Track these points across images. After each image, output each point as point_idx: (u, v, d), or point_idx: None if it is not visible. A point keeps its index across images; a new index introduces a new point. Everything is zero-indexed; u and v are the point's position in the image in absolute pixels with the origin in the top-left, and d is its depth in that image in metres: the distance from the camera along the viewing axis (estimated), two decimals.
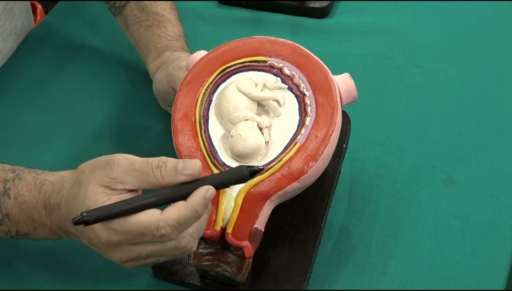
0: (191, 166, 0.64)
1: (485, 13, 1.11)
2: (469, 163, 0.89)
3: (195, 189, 0.64)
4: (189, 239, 0.65)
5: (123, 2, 1.01)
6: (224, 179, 0.67)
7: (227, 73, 0.79)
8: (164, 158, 0.65)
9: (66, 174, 0.70)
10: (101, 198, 0.64)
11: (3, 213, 0.71)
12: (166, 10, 0.99)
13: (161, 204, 0.64)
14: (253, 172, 0.67)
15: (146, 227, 0.62)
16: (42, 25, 1.16)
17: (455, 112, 0.96)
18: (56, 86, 1.05)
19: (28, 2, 1.14)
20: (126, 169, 0.64)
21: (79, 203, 0.65)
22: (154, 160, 0.64)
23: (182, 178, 0.64)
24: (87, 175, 0.65)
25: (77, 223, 0.61)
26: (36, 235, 0.72)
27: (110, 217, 0.62)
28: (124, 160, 0.64)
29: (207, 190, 0.64)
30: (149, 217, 0.62)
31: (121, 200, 0.63)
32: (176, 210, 0.63)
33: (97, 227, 0.63)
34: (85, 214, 0.62)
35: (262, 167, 0.67)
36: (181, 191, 0.64)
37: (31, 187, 0.71)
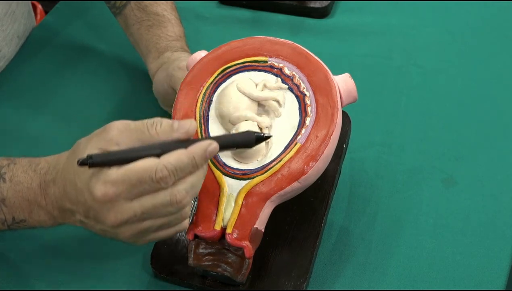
0: (187, 124, 0.65)
1: (485, 13, 1.11)
2: (469, 163, 0.89)
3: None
4: (184, 194, 0.65)
5: (124, 2, 1.01)
6: (229, 140, 0.68)
7: (227, 73, 0.79)
8: (158, 117, 0.66)
9: (63, 153, 0.71)
10: None
11: None
12: (166, 11, 1.00)
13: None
14: (260, 138, 0.68)
15: (145, 171, 0.63)
16: (42, 25, 1.16)
17: (455, 112, 0.96)
18: (56, 87, 1.05)
19: (30, 3, 1.14)
20: (121, 130, 0.65)
21: (75, 168, 0.65)
22: (148, 120, 0.65)
23: (177, 135, 0.65)
24: (83, 145, 0.66)
25: (82, 163, 0.62)
26: (32, 221, 0.73)
27: (115, 163, 0.63)
28: (120, 123, 0.65)
29: (209, 144, 0.65)
30: (147, 162, 0.63)
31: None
32: (175, 155, 0.64)
33: (93, 183, 0.63)
34: (90, 155, 0.62)
35: (269, 135, 0.69)
36: (186, 145, 0.65)
37: (26, 167, 0.72)
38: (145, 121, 0.65)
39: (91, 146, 0.65)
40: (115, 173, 0.63)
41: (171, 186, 0.64)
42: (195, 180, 0.66)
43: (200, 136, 0.76)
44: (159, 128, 0.65)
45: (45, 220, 0.72)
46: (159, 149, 0.64)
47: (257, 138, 0.68)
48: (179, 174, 0.64)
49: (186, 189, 0.65)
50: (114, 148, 0.64)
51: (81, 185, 0.65)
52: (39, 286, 0.79)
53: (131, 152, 0.64)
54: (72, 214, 0.69)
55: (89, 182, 0.64)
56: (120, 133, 0.65)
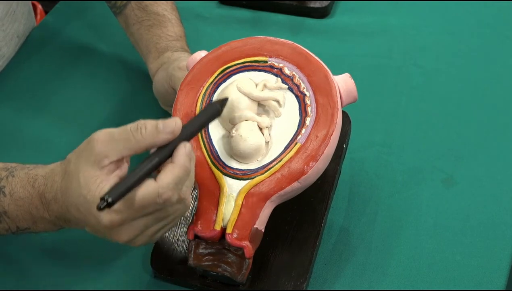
0: (172, 124, 0.65)
1: (485, 13, 1.11)
2: (469, 163, 0.89)
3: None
4: (185, 190, 0.66)
5: (124, 2, 1.01)
6: (198, 124, 0.70)
7: (227, 73, 0.79)
8: (141, 120, 0.65)
9: (55, 167, 0.70)
10: (93, 183, 0.64)
11: (0, 211, 0.72)
12: (167, 10, 1.00)
13: (165, 159, 0.65)
14: (223, 104, 0.71)
15: (147, 199, 0.63)
16: (42, 25, 1.16)
17: (455, 112, 0.96)
18: (56, 87, 1.05)
19: (30, 3, 1.14)
20: (106, 142, 0.64)
21: (74, 194, 0.65)
22: (131, 125, 0.65)
23: (164, 137, 0.65)
24: (73, 164, 0.66)
25: (101, 209, 0.61)
26: (37, 228, 0.73)
27: (129, 190, 0.63)
28: (103, 134, 0.65)
29: (185, 146, 0.66)
30: (147, 188, 0.63)
31: (110, 176, 0.64)
32: (169, 173, 0.64)
33: (97, 214, 0.63)
34: (106, 196, 0.62)
35: (226, 98, 0.72)
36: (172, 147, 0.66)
37: (24, 183, 0.71)
38: (128, 127, 0.65)
39: (83, 164, 0.65)
40: (117, 204, 0.63)
41: None
42: (192, 175, 0.67)
43: (200, 136, 0.76)
44: (144, 132, 0.64)
45: (50, 227, 0.73)
46: (157, 158, 0.65)
47: (221, 105, 0.71)
48: (179, 186, 0.65)
49: (186, 185, 0.66)
50: (105, 161, 0.64)
51: (85, 212, 0.65)
52: (39, 286, 0.79)
53: (137, 174, 0.63)
54: (79, 225, 0.69)
55: (92, 212, 0.64)
56: (105, 145, 0.64)
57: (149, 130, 0.64)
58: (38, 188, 0.70)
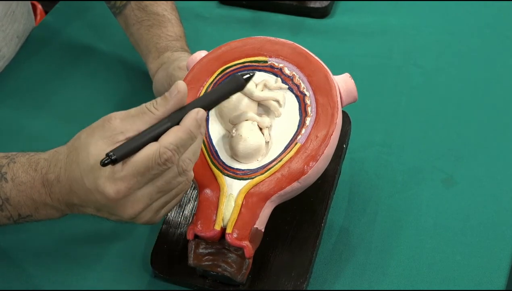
0: (176, 87, 0.66)
1: (486, 13, 1.11)
2: (469, 163, 0.89)
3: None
4: (188, 162, 0.67)
5: (124, 2, 1.01)
6: (220, 93, 0.70)
7: (227, 73, 0.79)
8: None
9: (60, 148, 0.71)
10: (101, 155, 0.64)
11: (2, 198, 0.72)
12: (166, 11, 1.00)
13: (177, 124, 0.66)
14: (248, 78, 0.70)
15: (150, 158, 0.64)
16: (42, 25, 1.17)
17: (455, 112, 0.96)
18: (56, 87, 1.05)
19: (30, 3, 1.14)
20: (123, 118, 0.66)
21: (82, 165, 0.66)
22: (146, 103, 0.67)
23: (174, 101, 0.66)
24: (84, 138, 0.67)
25: (104, 164, 0.62)
26: (39, 215, 0.73)
27: (135, 151, 0.64)
28: (119, 113, 0.66)
29: (197, 112, 0.66)
30: (148, 149, 0.64)
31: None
32: (172, 134, 0.65)
33: (102, 183, 0.64)
34: (111, 153, 0.62)
35: (253, 73, 0.71)
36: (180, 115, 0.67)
37: (26, 167, 0.71)
38: (143, 104, 0.67)
39: (96, 139, 0.65)
40: (122, 168, 0.64)
41: None
42: (196, 146, 0.68)
43: None
44: (156, 104, 0.66)
45: (52, 213, 0.73)
46: (168, 122, 0.66)
47: (246, 80, 0.70)
48: (181, 149, 0.66)
49: (189, 157, 0.67)
50: (120, 137, 0.65)
51: (90, 185, 0.65)
52: (39, 286, 0.79)
53: (144, 136, 0.65)
54: (81, 207, 0.70)
55: (97, 182, 0.65)
56: (122, 121, 0.65)
57: (159, 101, 0.66)
58: (40, 170, 0.71)
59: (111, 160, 0.62)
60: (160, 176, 0.66)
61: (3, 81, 1.06)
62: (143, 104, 0.67)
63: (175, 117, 0.66)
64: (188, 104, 0.68)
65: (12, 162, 0.73)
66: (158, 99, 0.67)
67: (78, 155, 0.66)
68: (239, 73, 0.71)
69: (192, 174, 0.69)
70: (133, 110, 0.66)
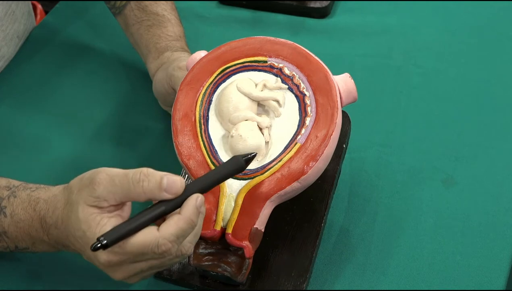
0: (177, 185, 0.63)
1: (485, 13, 1.11)
2: (469, 163, 0.89)
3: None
4: (189, 246, 0.65)
5: (124, 2, 1.01)
6: (219, 175, 0.67)
7: (227, 73, 0.79)
8: (145, 170, 0.63)
9: (58, 193, 0.70)
10: (93, 220, 0.64)
11: (0, 231, 0.72)
12: (166, 11, 1.00)
13: (172, 210, 0.64)
14: (249, 159, 0.67)
15: (146, 246, 0.62)
16: (42, 25, 1.16)
17: (455, 112, 0.96)
18: (56, 87, 1.05)
19: (30, 3, 1.14)
20: (107, 186, 0.64)
21: (75, 226, 0.65)
22: (133, 174, 0.63)
23: (166, 196, 0.63)
24: (75, 195, 0.66)
25: (95, 249, 0.61)
26: (35, 249, 0.73)
27: (127, 235, 0.62)
28: (105, 177, 0.64)
29: (196, 199, 0.64)
30: (148, 235, 0.62)
31: (111, 214, 0.64)
32: (173, 224, 0.63)
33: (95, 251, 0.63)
34: (102, 238, 0.61)
35: (254, 154, 0.68)
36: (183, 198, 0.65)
37: (25, 205, 0.71)
38: (130, 175, 0.63)
39: (84, 199, 0.64)
40: (117, 246, 0.62)
41: None
42: (197, 230, 0.66)
43: (200, 137, 0.76)
44: (146, 185, 0.63)
45: (48, 249, 0.73)
46: (163, 207, 0.64)
47: (246, 160, 0.68)
48: (181, 239, 0.64)
49: (190, 241, 0.65)
50: (104, 204, 0.64)
51: (84, 245, 0.65)
52: (39, 286, 0.79)
53: (137, 220, 0.63)
54: (76, 252, 0.69)
55: (90, 247, 0.63)
56: (106, 190, 0.63)
57: (152, 186, 0.63)
58: (39, 211, 0.70)
59: (101, 245, 0.61)
60: (155, 259, 0.65)
61: (3, 81, 1.06)
62: (130, 175, 0.63)
63: (171, 201, 0.64)
64: (186, 188, 0.64)
65: (13, 196, 0.72)
66: (151, 180, 0.62)
67: (71, 213, 0.66)
68: (239, 155, 0.68)
69: (190, 253, 0.66)
70: (117, 179, 0.63)
